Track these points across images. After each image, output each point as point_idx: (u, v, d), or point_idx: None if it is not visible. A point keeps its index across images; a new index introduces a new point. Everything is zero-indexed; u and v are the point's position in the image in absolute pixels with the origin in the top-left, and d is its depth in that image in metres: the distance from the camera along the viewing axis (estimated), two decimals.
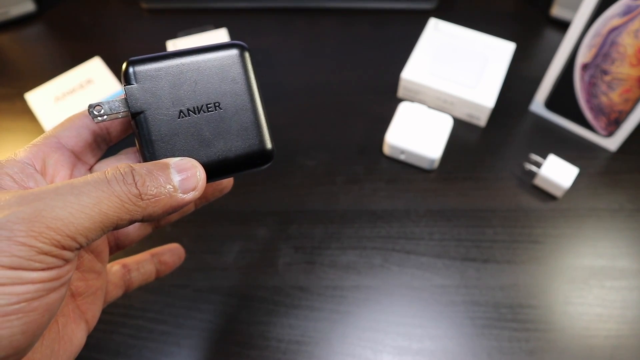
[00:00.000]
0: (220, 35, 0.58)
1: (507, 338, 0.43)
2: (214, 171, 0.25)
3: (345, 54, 0.61)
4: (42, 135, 0.25)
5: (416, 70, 0.54)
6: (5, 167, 0.22)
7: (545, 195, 0.50)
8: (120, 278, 0.31)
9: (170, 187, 0.22)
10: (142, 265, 0.32)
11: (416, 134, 0.51)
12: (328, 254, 0.47)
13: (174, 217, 0.32)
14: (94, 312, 0.27)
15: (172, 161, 0.23)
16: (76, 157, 0.25)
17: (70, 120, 0.25)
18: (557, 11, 0.62)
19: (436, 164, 0.51)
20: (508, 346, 0.42)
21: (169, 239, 0.35)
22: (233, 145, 0.25)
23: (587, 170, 0.51)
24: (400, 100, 0.57)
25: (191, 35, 0.58)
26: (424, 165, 0.51)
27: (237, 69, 0.25)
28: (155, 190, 0.21)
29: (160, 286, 0.45)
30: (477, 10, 0.65)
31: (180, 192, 0.22)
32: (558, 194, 0.49)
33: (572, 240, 0.48)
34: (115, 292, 0.31)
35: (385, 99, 0.57)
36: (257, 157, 0.26)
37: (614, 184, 0.51)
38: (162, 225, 0.32)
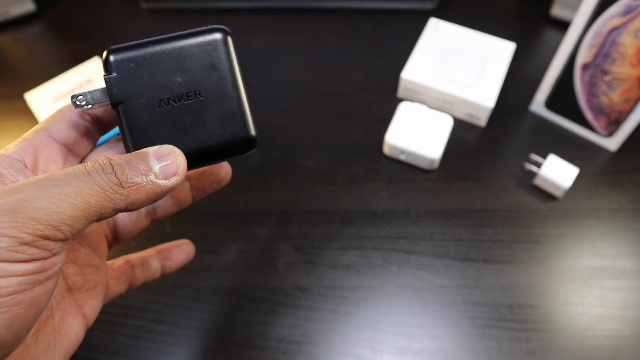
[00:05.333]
0: None
1: (507, 338, 0.43)
2: (197, 159, 0.25)
3: (345, 54, 0.61)
4: (32, 129, 0.25)
5: (416, 70, 0.54)
6: None
7: (545, 195, 0.50)
8: (123, 273, 0.31)
9: (152, 174, 0.22)
10: (147, 261, 0.32)
11: (416, 134, 0.50)
12: (328, 254, 0.47)
13: (172, 209, 0.32)
14: (92, 307, 0.27)
15: (151, 149, 0.23)
16: (68, 149, 0.25)
17: (61, 112, 0.25)
18: (557, 11, 0.62)
19: (436, 164, 0.51)
20: (508, 346, 0.42)
21: (169, 238, 0.35)
22: (215, 133, 0.25)
23: (587, 170, 0.51)
24: (400, 100, 0.57)
25: None
26: (424, 165, 0.51)
27: (219, 55, 0.25)
28: (136, 179, 0.22)
29: (160, 286, 0.45)
30: (477, 10, 0.65)
31: (162, 179, 0.22)
32: (558, 194, 0.49)
33: (572, 240, 0.48)
34: (118, 288, 0.31)
35: (385, 99, 0.57)
36: (239, 145, 0.26)
37: (614, 184, 0.51)
38: (159, 218, 0.32)
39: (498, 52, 0.56)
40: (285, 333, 0.43)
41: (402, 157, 0.52)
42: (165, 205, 0.32)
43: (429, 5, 0.64)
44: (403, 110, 0.52)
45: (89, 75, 0.56)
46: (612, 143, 0.52)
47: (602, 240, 0.48)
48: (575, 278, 0.46)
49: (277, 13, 0.65)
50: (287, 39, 0.63)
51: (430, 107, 0.55)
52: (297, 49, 0.62)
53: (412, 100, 0.56)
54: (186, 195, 0.32)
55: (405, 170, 0.52)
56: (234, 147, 0.26)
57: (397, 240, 0.48)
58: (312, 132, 0.55)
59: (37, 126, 0.25)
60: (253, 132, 0.26)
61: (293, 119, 0.56)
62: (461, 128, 0.54)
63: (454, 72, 0.54)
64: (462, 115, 0.55)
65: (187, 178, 0.32)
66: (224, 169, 0.32)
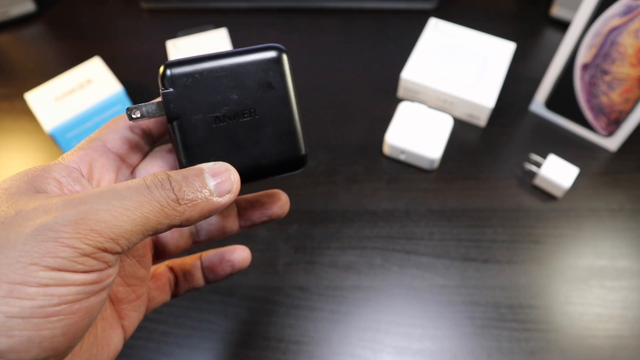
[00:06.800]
0: (220, 35, 0.58)
1: (507, 338, 0.43)
2: (248, 176, 0.25)
3: (345, 54, 0.61)
4: (87, 138, 0.25)
5: (416, 70, 0.54)
6: (52, 170, 0.23)
7: (545, 195, 0.50)
8: (166, 283, 0.30)
9: (206, 191, 0.22)
10: (190, 272, 0.31)
11: (416, 134, 0.50)
12: (328, 254, 0.47)
13: (216, 234, 0.31)
14: (132, 319, 0.27)
15: (206, 166, 0.23)
16: (121, 159, 0.26)
17: (114, 122, 0.25)
18: (557, 11, 0.62)
19: (436, 164, 0.51)
20: (508, 346, 0.42)
21: None
22: (268, 152, 0.25)
23: (587, 170, 0.51)
24: (400, 100, 0.57)
25: (191, 35, 0.58)
26: (424, 165, 0.51)
27: (275, 74, 0.25)
28: (192, 195, 0.22)
29: None
30: (477, 10, 0.65)
31: (216, 196, 0.23)
32: (558, 194, 0.49)
33: (572, 240, 0.48)
34: (162, 298, 0.30)
35: (385, 99, 0.57)
36: (291, 163, 0.26)
37: (614, 184, 0.51)
38: (202, 242, 0.32)
39: (498, 52, 0.56)
40: (285, 333, 0.43)
41: (402, 157, 0.52)
42: (209, 229, 0.31)
43: (429, 5, 0.64)
44: (403, 110, 0.52)
45: (89, 75, 0.56)
46: (612, 143, 0.52)
47: (602, 240, 0.48)
48: (575, 278, 0.46)
49: (277, 13, 0.65)
50: (287, 39, 0.63)
51: (430, 107, 0.55)
52: (297, 49, 0.62)
53: (412, 100, 0.56)
54: (233, 223, 0.31)
55: (405, 170, 0.52)
56: (285, 166, 0.26)
57: (397, 240, 0.48)
58: (312, 132, 0.55)
59: (91, 136, 0.25)
60: (304, 151, 0.26)
61: None
62: (461, 128, 0.54)
63: (454, 72, 0.54)
64: (462, 115, 0.55)
65: (237, 207, 0.31)
66: (279, 203, 0.31)
